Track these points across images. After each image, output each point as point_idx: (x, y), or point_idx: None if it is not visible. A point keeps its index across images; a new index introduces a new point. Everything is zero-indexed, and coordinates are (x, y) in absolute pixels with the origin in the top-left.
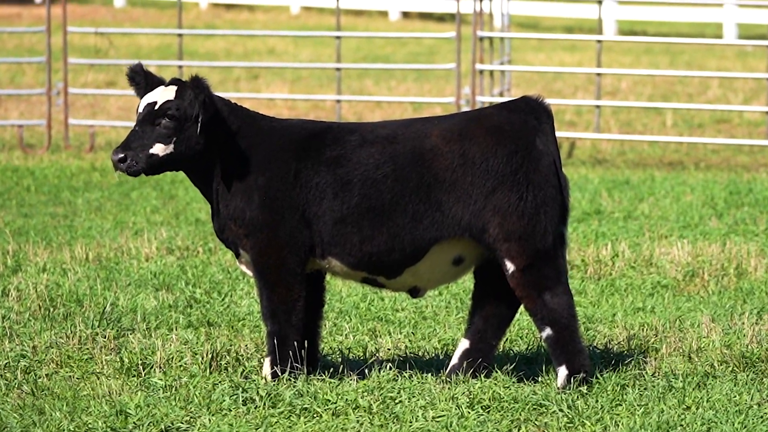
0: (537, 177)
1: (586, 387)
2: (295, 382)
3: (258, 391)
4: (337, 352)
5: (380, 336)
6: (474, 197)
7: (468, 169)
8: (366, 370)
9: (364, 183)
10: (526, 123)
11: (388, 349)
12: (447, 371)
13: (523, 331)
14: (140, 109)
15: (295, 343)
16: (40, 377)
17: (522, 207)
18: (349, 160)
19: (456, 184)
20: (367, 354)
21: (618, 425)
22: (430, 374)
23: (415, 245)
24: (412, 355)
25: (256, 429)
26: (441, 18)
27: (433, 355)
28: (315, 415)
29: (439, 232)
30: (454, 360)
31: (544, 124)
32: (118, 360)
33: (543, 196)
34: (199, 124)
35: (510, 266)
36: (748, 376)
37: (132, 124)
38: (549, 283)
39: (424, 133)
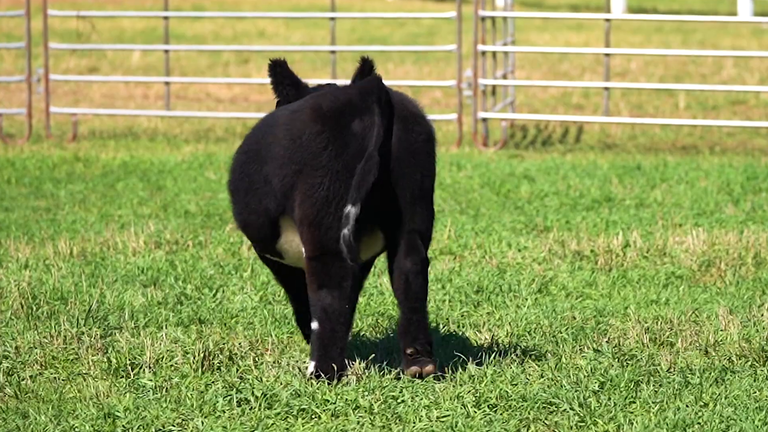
0: (337, 164)
1: (597, 385)
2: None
3: (253, 392)
4: None
5: (381, 332)
6: (287, 172)
7: (289, 143)
8: (366, 369)
9: (244, 159)
10: (349, 102)
11: (390, 346)
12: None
13: (531, 326)
14: None
15: (301, 314)
16: (23, 379)
17: (317, 193)
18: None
19: (278, 157)
20: (368, 351)
21: (632, 423)
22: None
23: (261, 219)
24: None
25: (252, 431)
26: None
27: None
28: (313, 416)
29: (269, 204)
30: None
31: (374, 105)
32: (106, 360)
33: (338, 187)
34: None
35: (305, 251)
36: None
37: (115, 111)
38: (329, 281)
39: (301, 104)
